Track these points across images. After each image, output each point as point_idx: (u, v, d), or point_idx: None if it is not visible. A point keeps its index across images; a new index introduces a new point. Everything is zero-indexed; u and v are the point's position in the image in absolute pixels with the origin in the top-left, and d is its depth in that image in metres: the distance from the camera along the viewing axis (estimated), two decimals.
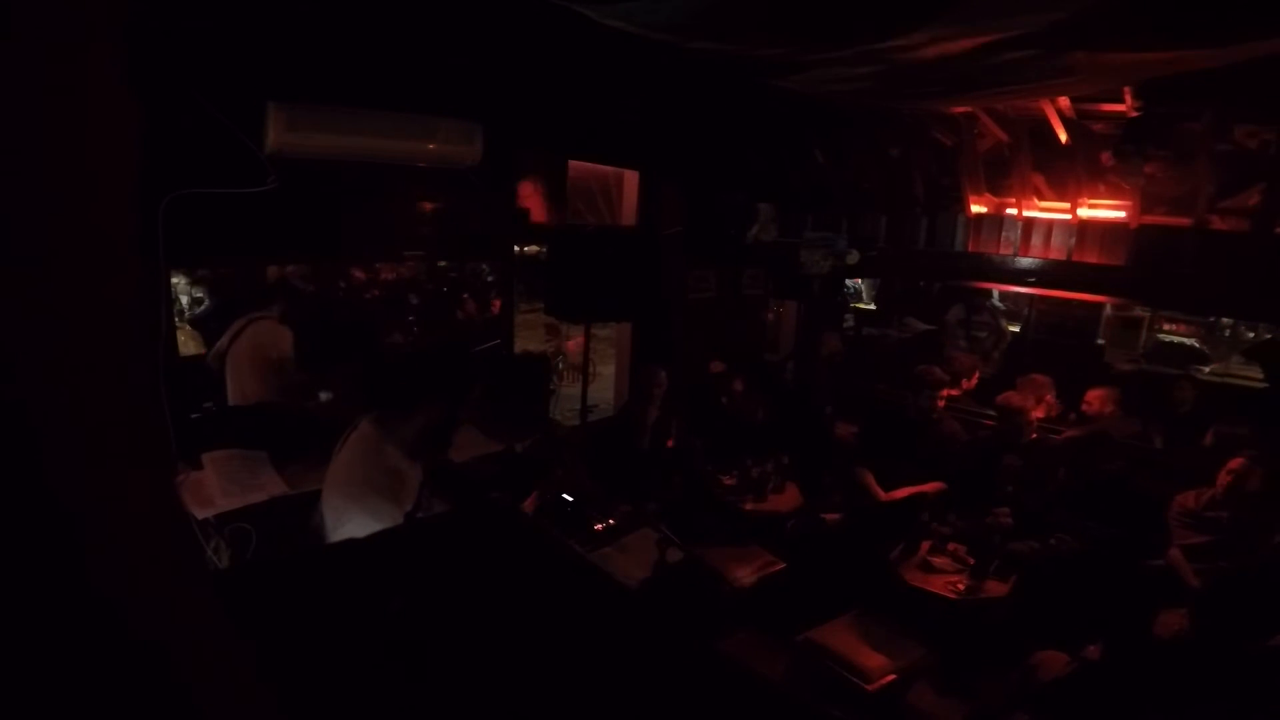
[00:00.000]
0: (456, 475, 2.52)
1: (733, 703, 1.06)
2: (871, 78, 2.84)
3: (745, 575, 3.56)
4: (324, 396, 4.18)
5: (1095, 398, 4.47)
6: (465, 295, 7.43)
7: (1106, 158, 3.99)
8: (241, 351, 3.91)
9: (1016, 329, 6.73)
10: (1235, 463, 3.49)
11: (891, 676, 2.90)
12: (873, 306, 8.71)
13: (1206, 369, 6.02)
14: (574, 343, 4.40)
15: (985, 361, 5.72)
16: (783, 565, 3.70)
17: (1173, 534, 3.59)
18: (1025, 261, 4.64)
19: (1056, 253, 4.54)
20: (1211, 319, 6.35)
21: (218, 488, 3.01)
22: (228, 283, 5.08)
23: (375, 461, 2.19)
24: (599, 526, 3.04)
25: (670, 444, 4.38)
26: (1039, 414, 4.42)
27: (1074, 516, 3.52)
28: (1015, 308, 7.27)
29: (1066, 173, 4.34)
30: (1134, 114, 3.70)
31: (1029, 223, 4.63)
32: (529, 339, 7.81)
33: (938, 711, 2.93)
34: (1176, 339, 6.27)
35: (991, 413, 4.66)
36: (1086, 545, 3.44)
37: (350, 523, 2.12)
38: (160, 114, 2.72)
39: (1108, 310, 5.62)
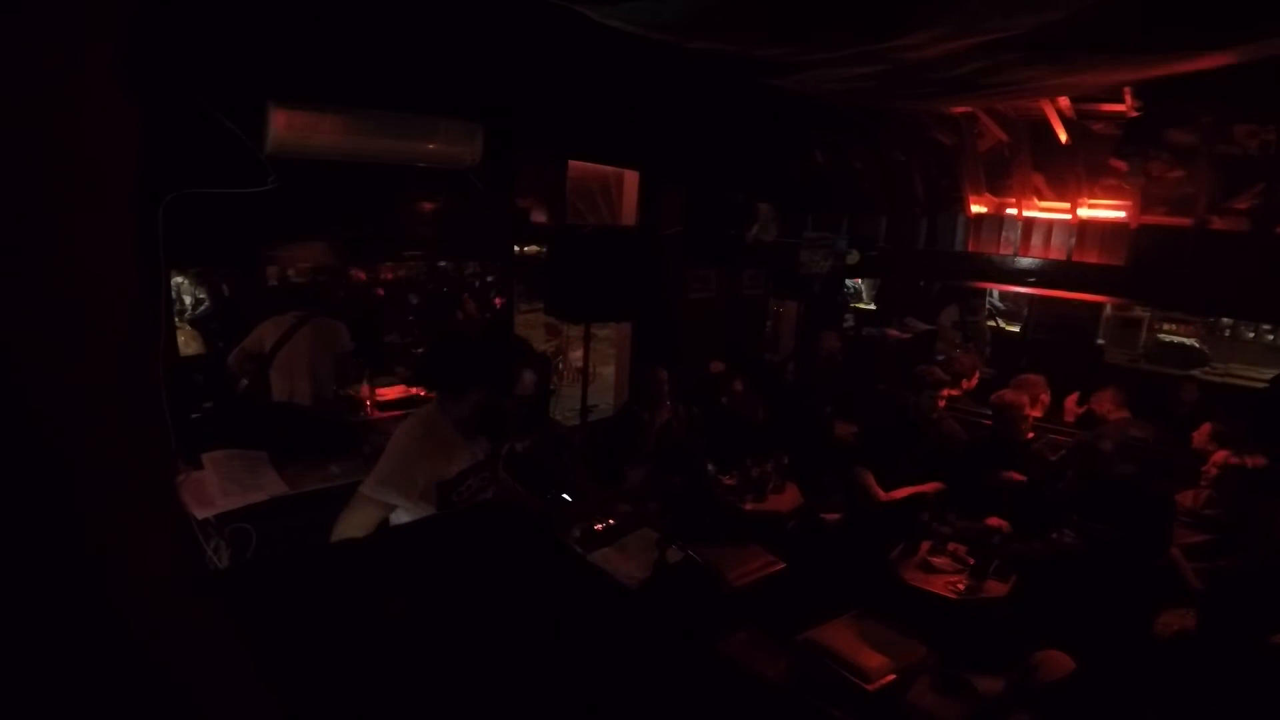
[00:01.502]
0: (522, 460, 2.67)
1: (733, 703, 1.06)
2: (871, 78, 2.84)
3: (745, 575, 3.56)
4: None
5: (1104, 398, 4.46)
6: (465, 295, 7.42)
7: (1117, 162, 3.99)
8: (302, 348, 3.95)
9: (1016, 329, 6.73)
10: (1219, 456, 3.50)
11: (891, 676, 2.90)
12: (873, 306, 8.70)
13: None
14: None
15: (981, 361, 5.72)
16: (783, 565, 3.70)
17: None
18: (1025, 261, 4.64)
19: (1056, 253, 4.54)
20: (1211, 319, 6.34)
21: (218, 488, 3.01)
22: (229, 282, 5.08)
23: (415, 429, 2.38)
24: (599, 526, 3.04)
25: (670, 444, 4.38)
26: (1035, 413, 4.42)
27: (1082, 519, 3.52)
28: (1015, 308, 7.26)
29: (1066, 173, 4.34)
30: (1134, 114, 3.70)
31: (1029, 223, 4.63)
32: (529, 339, 7.79)
33: (938, 711, 2.93)
34: (1176, 339, 6.25)
35: (991, 412, 4.65)
36: (1090, 546, 3.44)
37: (365, 479, 2.29)
38: (160, 114, 2.72)
39: (1108, 310, 5.62)
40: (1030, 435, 4.20)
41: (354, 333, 4.29)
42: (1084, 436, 4.19)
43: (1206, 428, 3.90)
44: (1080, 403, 4.76)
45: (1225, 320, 6.35)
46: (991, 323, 7.03)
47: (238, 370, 4.00)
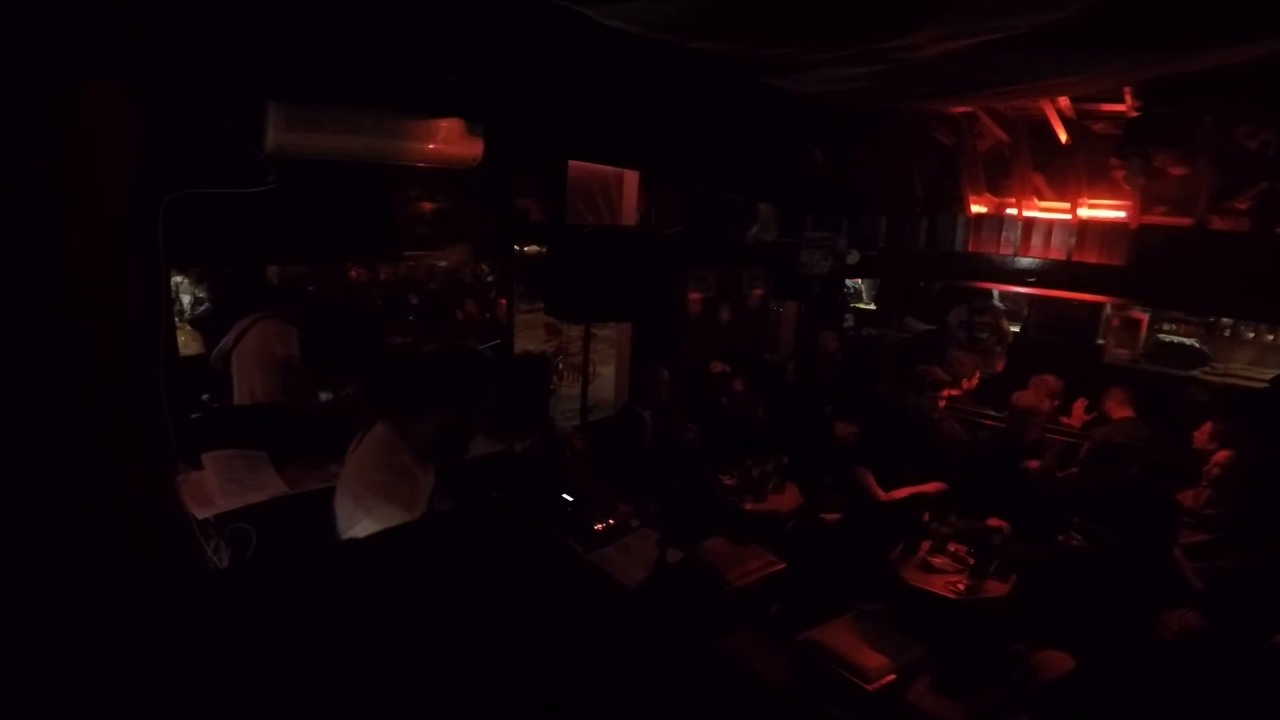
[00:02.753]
0: (468, 479, 2.51)
1: (733, 703, 1.06)
2: (871, 78, 2.84)
3: (745, 575, 3.56)
4: (324, 396, 4.18)
5: (1109, 398, 4.45)
6: (464, 296, 7.43)
7: (1115, 165, 3.99)
8: (248, 351, 3.92)
9: (1016, 329, 6.73)
10: (1220, 456, 3.49)
11: (891, 676, 2.90)
12: (873, 306, 8.70)
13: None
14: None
15: (988, 362, 5.72)
16: (783, 565, 3.70)
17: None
18: (1025, 261, 4.64)
19: (1056, 253, 4.54)
20: (1211, 319, 6.35)
21: (218, 488, 3.01)
22: (228, 282, 5.09)
23: (387, 463, 2.14)
24: (599, 526, 3.04)
25: (670, 444, 4.38)
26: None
27: (1087, 520, 3.51)
28: (1015, 308, 7.27)
29: (1066, 173, 4.35)
30: (1134, 114, 3.70)
31: (1029, 223, 4.63)
32: (529, 339, 7.80)
33: (938, 711, 2.93)
34: (1176, 339, 6.26)
35: (991, 412, 4.66)
36: (1094, 547, 3.44)
37: (359, 526, 2.07)
38: (160, 114, 2.71)
39: (1108, 310, 5.62)
40: (1037, 438, 4.19)
41: (357, 334, 4.27)
42: (1095, 436, 4.19)
43: (1207, 427, 3.90)
44: (1089, 409, 4.76)
45: (1225, 320, 6.35)
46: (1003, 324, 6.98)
47: (217, 367, 4.03)
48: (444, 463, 2.26)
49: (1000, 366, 5.86)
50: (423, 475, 2.17)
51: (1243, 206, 3.87)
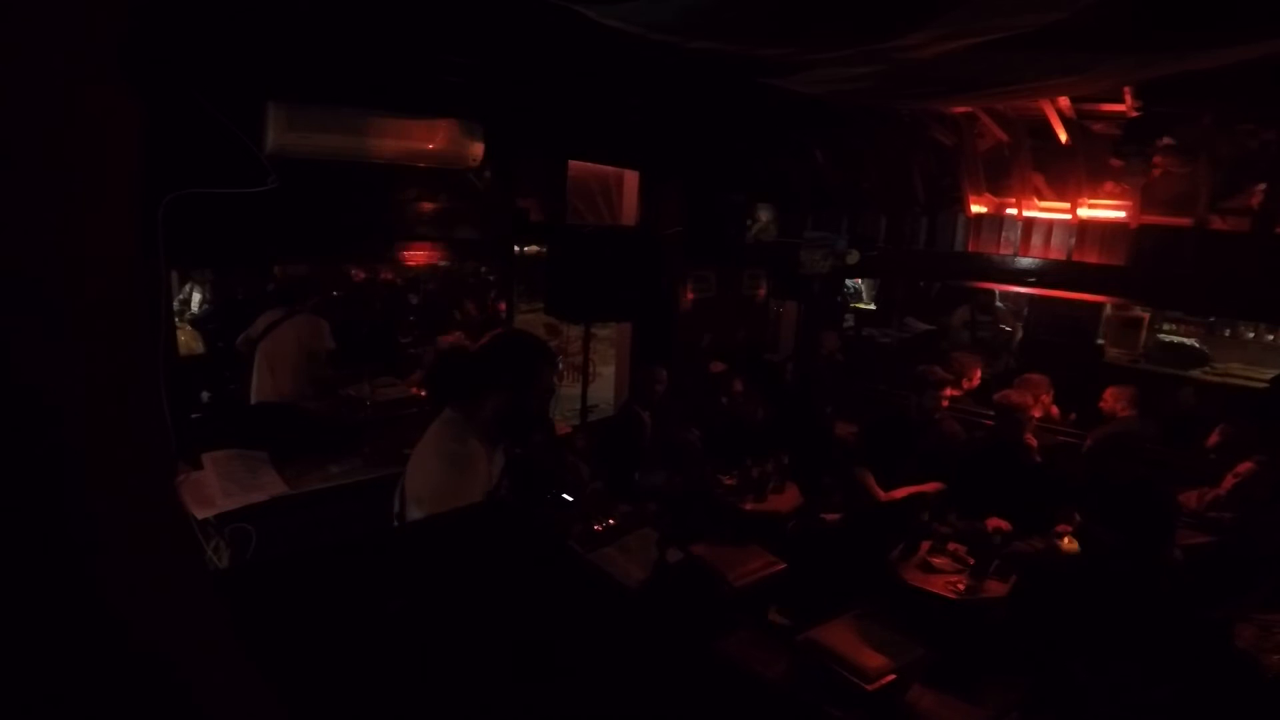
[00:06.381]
0: (528, 465, 2.59)
1: (733, 703, 1.06)
2: (871, 78, 2.84)
3: (745, 575, 3.56)
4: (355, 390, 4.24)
5: (1112, 396, 4.45)
6: (464, 297, 7.42)
7: (1118, 162, 3.99)
8: (283, 344, 3.96)
9: (1020, 329, 6.72)
10: (1243, 467, 3.46)
11: (891, 676, 2.90)
12: (873, 306, 8.70)
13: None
14: None
15: (994, 362, 5.71)
16: (783, 565, 3.70)
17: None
18: (1025, 261, 4.64)
19: (1056, 253, 4.54)
20: (1211, 319, 6.35)
21: (218, 488, 3.02)
22: (231, 282, 5.10)
23: (446, 451, 2.23)
24: (599, 526, 3.04)
25: (668, 444, 4.38)
26: (1036, 414, 4.42)
27: (1088, 519, 3.50)
28: (1015, 308, 7.27)
29: (1066, 173, 4.35)
30: (1134, 114, 3.70)
31: (1029, 223, 4.63)
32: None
33: (938, 711, 2.93)
34: (1176, 339, 6.25)
35: (992, 412, 4.65)
36: (1091, 547, 3.43)
37: (413, 512, 2.17)
38: (160, 114, 2.71)
39: (1108, 310, 5.62)
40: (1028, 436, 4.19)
41: (370, 332, 4.28)
42: (1098, 434, 4.18)
43: (1218, 429, 3.88)
44: (1067, 412, 4.77)
45: (1225, 320, 6.35)
46: (1007, 327, 6.97)
47: (244, 352, 4.05)
48: (510, 444, 2.34)
49: (1004, 366, 5.87)
50: (489, 455, 2.25)
51: (1243, 206, 3.87)
